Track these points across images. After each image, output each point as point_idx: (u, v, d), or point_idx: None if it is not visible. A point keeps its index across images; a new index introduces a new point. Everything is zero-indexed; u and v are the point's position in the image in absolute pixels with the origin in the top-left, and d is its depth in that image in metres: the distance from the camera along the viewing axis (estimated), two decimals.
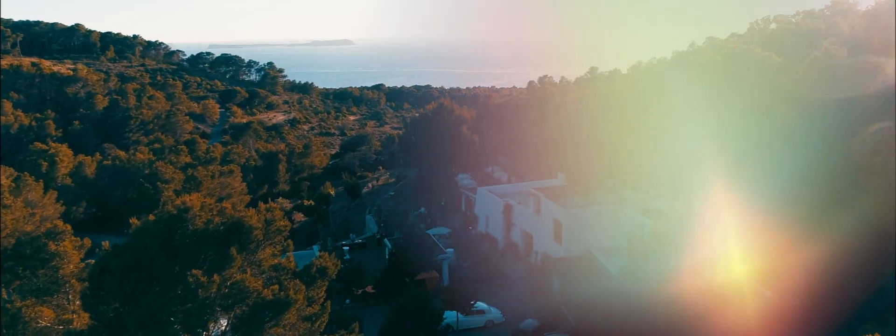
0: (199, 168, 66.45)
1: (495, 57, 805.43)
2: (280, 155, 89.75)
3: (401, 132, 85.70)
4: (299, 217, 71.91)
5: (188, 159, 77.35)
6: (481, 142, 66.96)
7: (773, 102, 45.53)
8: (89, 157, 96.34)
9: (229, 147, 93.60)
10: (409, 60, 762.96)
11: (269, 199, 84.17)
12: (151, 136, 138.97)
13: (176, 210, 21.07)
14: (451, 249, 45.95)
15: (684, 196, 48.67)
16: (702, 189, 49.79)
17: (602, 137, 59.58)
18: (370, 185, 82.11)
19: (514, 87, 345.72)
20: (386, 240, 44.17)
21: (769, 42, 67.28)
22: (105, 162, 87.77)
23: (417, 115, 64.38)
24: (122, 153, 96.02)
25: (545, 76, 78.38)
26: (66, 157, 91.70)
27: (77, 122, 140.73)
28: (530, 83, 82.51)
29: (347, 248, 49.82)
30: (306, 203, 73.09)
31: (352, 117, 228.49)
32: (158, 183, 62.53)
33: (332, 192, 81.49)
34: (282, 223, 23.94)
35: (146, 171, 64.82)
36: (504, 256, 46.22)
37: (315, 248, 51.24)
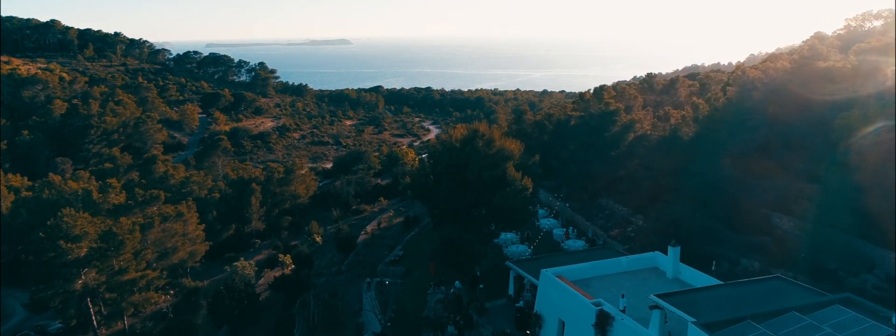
0: (123, 220, 46.64)
1: (494, 57, 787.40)
2: (253, 183, 69.88)
3: (413, 166, 65.53)
4: (268, 278, 51.53)
5: (120, 199, 57.25)
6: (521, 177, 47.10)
7: None
8: (16, 181, 76.74)
9: (190, 172, 73.70)
10: (407, 60, 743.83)
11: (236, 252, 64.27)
12: (108, 151, 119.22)
13: None
14: None
15: None
16: None
17: (748, 178, 39.90)
18: (369, 228, 62.26)
19: (517, 89, 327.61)
20: None
21: None
22: (25, 193, 67.94)
23: (438, 146, 44.33)
24: (56, 178, 75.98)
25: (604, 87, 58.62)
26: None
27: (26, 132, 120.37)
28: (582, 95, 62.49)
29: None
30: (281, 258, 53.42)
31: (348, 122, 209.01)
32: (61, 241, 42.93)
33: (319, 238, 61.52)
34: None
35: (49, 222, 45.08)
36: None
37: None
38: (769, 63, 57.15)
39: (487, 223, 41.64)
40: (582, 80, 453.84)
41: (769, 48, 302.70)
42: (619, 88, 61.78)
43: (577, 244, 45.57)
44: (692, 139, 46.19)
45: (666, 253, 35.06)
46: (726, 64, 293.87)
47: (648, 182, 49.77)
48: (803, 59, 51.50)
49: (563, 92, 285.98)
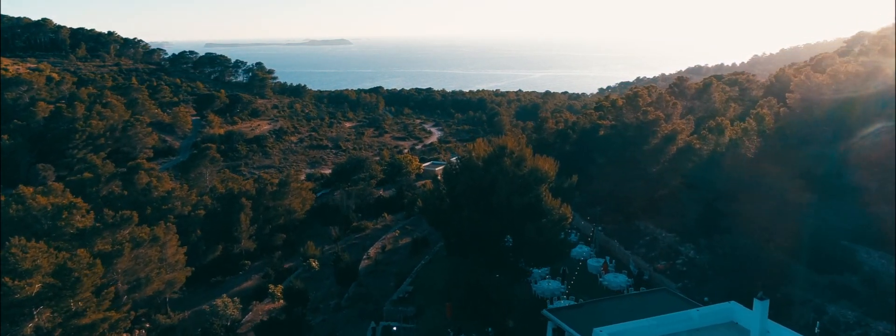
0: (81, 252, 39.80)
1: (494, 58, 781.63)
2: (244, 198, 63.04)
3: (426, 186, 58.42)
4: (256, 313, 44.44)
5: (87, 221, 50.46)
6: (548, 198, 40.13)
7: None
8: None
9: (174, 185, 66.70)
10: (407, 61, 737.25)
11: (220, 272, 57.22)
12: (94, 157, 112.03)
13: None
14: None
15: None
16: None
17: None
18: (372, 252, 55.33)
19: (519, 90, 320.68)
20: None
21: None
22: None
23: (456, 163, 37.41)
24: (27, 190, 68.99)
25: (637, 93, 51.38)
26: None
27: (6, 136, 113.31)
28: (614, 102, 55.12)
29: None
30: (271, 290, 46.69)
31: (347, 124, 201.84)
32: (7, 278, 36.17)
33: (316, 264, 54.68)
34: None
35: None
36: None
37: None
38: (837, 67, 50.04)
39: (516, 257, 34.86)
40: (583, 80, 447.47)
41: (772, 49, 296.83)
42: (656, 94, 54.85)
43: (619, 279, 38.76)
44: (756, 156, 39.29)
45: (740, 300, 28.35)
46: (730, 64, 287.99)
47: (698, 204, 42.80)
48: (876, 62, 44.60)
49: (565, 93, 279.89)
